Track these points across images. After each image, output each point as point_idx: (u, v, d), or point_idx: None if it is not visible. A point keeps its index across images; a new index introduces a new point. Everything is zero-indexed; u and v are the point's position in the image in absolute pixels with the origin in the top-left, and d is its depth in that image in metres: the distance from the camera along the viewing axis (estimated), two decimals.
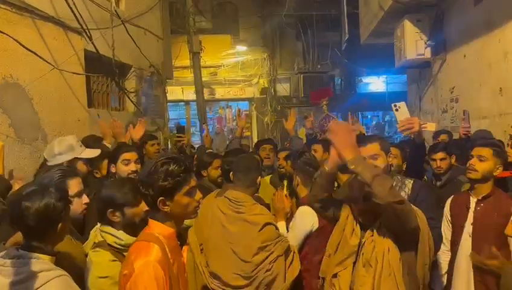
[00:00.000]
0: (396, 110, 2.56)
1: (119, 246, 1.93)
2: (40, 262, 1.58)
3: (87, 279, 1.90)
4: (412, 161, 2.63)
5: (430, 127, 5.10)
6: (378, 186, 1.71)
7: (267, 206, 2.86)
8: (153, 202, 1.62)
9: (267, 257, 2.42)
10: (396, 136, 10.17)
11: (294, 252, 2.54)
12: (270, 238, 2.46)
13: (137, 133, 3.55)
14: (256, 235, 2.43)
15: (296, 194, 2.83)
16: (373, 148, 2.18)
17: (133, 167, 2.81)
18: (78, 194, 2.13)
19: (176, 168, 1.62)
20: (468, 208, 2.49)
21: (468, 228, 2.46)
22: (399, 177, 2.46)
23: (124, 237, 1.94)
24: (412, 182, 2.41)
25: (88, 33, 4.52)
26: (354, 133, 1.91)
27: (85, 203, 2.16)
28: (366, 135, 4.27)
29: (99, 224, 2.06)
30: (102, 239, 1.98)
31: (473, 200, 2.50)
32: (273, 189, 3.81)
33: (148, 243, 1.59)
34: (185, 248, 1.80)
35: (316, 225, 2.72)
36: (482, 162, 2.44)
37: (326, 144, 3.03)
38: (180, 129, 4.44)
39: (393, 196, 1.72)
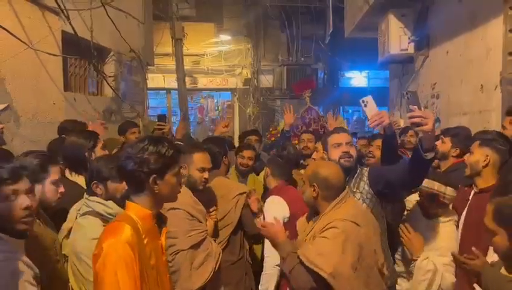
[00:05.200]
0: (365, 105, 2.49)
1: (108, 215, 2.01)
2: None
3: (76, 243, 1.93)
4: (385, 153, 2.61)
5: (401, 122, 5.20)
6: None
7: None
8: (144, 179, 1.60)
9: (169, 246, 2.33)
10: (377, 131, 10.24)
11: (209, 253, 2.40)
12: (173, 223, 2.32)
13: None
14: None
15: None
16: (347, 136, 2.50)
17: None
18: (56, 183, 2.14)
19: (168, 146, 1.64)
20: (467, 201, 2.44)
21: (462, 221, 2.43)
22: (359, 168, 2.50)
23: (112, 205, 2.03)
24: (367, 170, 2.47)
25: (66, 13, 4.35)
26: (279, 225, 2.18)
27: (60, 193, 2.16)
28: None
29: (85, 196, 2.13)
30: (88, 209, 2.04)
31: (472, 193, 2.46)
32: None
33: (119, 222, 1.59)
34: (164, 230, 1.76)
35: (287, 214, 2.72)
36: (470, 155, 2.43)
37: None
38: (162, 118, 4.34)
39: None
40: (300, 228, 2.26)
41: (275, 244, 2.11)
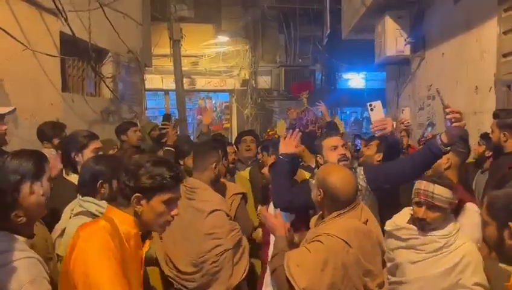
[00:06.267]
0: (372, 109, 2.51)
1: (100, 215, 1.98)
2: (18, 241, 1.53)
3: (69, 243, 1.87)
4: (388, 158, 2.65)
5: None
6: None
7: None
8: (129, 194, 1.54)
9: (215, 247, 2.45)
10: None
11: (244, 248, 2.57)
12: (218, 225, 2.49)
13: None
14: (202, 221, 2.49)
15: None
16: (340, 139, 2.56)
17: None
18: (50, 179, 2.14)
19: (166, 171, 1.55)
20: None
21: None
22: (353, 168, 2.54)
23: (106, 206, 2.00)
24: (362, 169, 2.52)
25: (64, 14, 4.38)
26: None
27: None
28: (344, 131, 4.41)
29: (78, 196, 2.13)
30: (82, 209, 2.05)
31: None
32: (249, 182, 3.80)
33: (96, 221, 1.56)
34: (147, 242, 1.72)
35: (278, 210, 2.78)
36: None
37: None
38: (167, 118, 4.41)
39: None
40: (311, 225, 2.19)
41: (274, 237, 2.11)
